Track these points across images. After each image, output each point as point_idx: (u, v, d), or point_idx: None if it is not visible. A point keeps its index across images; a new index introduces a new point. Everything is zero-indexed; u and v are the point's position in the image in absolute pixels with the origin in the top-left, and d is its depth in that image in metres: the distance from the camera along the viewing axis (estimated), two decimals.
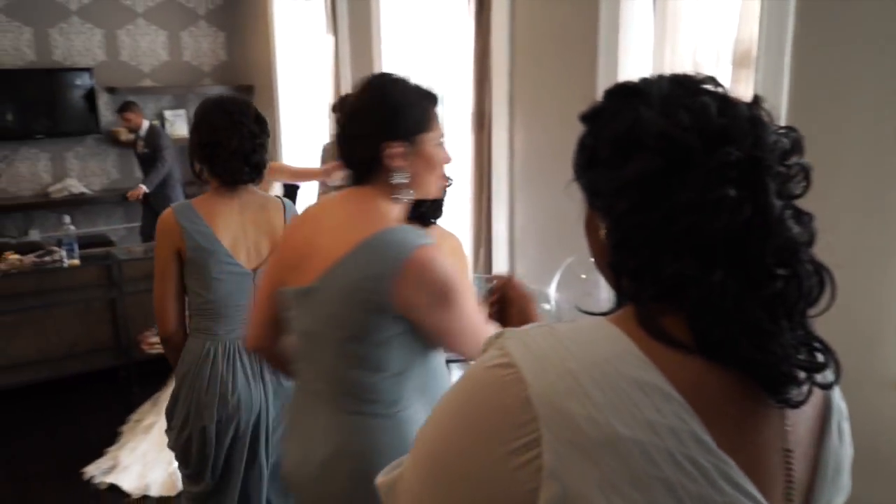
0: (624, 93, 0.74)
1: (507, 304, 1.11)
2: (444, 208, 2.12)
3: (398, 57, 4.52)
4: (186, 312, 2.16)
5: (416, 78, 1.48)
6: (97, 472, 3.41)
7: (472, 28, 3.69)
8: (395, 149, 1.37)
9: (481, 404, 0.66)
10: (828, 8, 2.01)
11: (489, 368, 0.66)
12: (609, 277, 0.74)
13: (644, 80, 0.75)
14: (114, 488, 3.29)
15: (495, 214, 3.75)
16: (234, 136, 2.01)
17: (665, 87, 0.72)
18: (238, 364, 2.07)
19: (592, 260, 0.81)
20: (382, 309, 1.30)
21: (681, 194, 0.65)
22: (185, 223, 2.02)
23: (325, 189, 4.03)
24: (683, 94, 0.70)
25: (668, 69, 2.80)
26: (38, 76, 5.97)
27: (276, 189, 3.85)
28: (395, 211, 1.42)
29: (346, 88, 4.85)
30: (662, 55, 2.83)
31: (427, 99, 1.45)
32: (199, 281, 2.06)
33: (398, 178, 1.38)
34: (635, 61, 2.92)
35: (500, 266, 3.74)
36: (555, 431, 0.61)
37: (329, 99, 4.98)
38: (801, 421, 0.69)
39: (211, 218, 2.05)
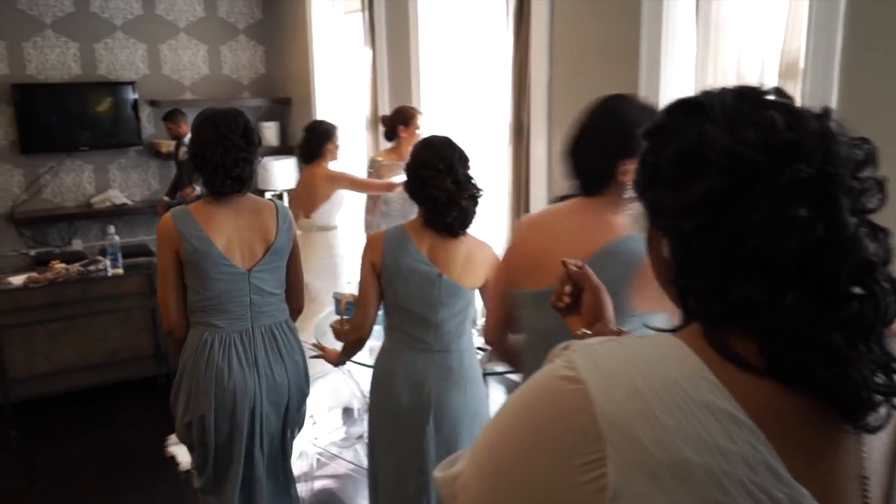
0: (686, 108, 0.72)
1: (581, 292, 1.12)
2: (472, 219, 2.13)
3: (436, 69, 4.54)
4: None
5: (645, 98, 1.58)
6: (173, 439, 3.57)
7: (510, 40, 3.69)
8: (630, 166, 1.45)
9: (547, 415, 0.64)
10: (879, 17, 1.97)
11: (557, 379, 0.65)
12: (673, 295, 0.72)
13: (706, 95, 0.72)
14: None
15: None
16: (217, 150, 2.12)
17: (729, 101, 0.69)
18: (233, 354, 2.19)
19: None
20: (620, 310, 1.38)
21: (749, 214, 0.62)
22: (183, 228, 2.15)
23: (373, 203, 4.04)
24: (749, 108, 0.68)
25: (712, 81, 2.76)
26: (83, 90, 6.11)
27: (339, 197, 3.84)
28: (621, 221, 1.52)
29: (384, 101, 4.88)
30: (705, 67, 2.79)
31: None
32: (197, 280, 2.19)
33: (630, 193, 1.49)
34: (678, 73, 2.90)
35: None
36: (621, 452, 0.59)
37: (366, 111, 5.02)
38: (876, 446, 0.66)
39: (207, 223, 2.17)
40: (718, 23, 2.75)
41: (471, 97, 4.53)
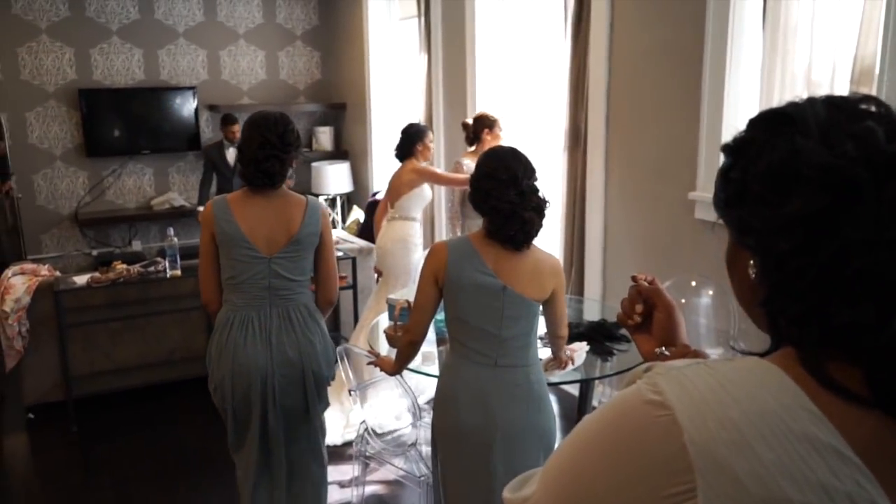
0: (774, 121, 0.67)
1: (653, 310, 1.03)
2: (537, 232, 2.07)
3: (492, 74, 4.52)
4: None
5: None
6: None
7: (568, 44, 3.65)
8: None
9: (630, 442, 0.61)
10: None
11: (642, 403, 0.61)
12: (759, 318, 0.68)
13: (795, 106, 0.68)
14: None
15: (588, 235, 3.66)
16: (252, 146, 2.37)
17: (821, 112, 0.65)
18: (249, 330, 2.44)
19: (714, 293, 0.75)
20: None
21: (852, 233, 0.58)
22: (217, 212, 2.40)
23: (455, 209, 4.13)
24: (844, 119, 0.63)
25: (779, 87, 2.67)
26: (146, 95, 6.29)
27: (422, 192, 4.00)
28: None
29: (439, 106, 4.88)
30: (773, 72, 2.70)
31: None
32: (227, 261, 2.43)
33: None
34: (743, 78, 2.81)
35: (594, 289, 3.65)
36: (713, 485, 0.56)
37: (421, 116, 5.03)
38: None
39: (238, 210, 2.41)
40: (787, 25, 2.65)
41: (527, 103, 4.50)
